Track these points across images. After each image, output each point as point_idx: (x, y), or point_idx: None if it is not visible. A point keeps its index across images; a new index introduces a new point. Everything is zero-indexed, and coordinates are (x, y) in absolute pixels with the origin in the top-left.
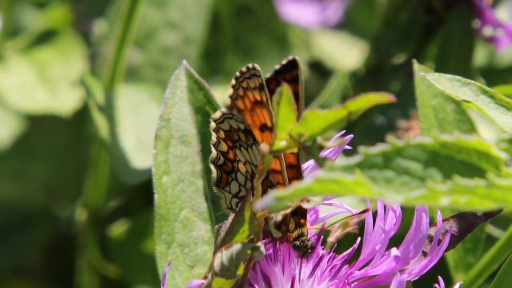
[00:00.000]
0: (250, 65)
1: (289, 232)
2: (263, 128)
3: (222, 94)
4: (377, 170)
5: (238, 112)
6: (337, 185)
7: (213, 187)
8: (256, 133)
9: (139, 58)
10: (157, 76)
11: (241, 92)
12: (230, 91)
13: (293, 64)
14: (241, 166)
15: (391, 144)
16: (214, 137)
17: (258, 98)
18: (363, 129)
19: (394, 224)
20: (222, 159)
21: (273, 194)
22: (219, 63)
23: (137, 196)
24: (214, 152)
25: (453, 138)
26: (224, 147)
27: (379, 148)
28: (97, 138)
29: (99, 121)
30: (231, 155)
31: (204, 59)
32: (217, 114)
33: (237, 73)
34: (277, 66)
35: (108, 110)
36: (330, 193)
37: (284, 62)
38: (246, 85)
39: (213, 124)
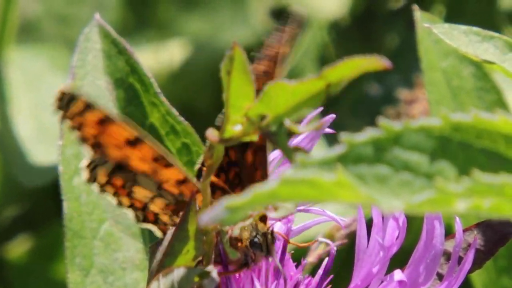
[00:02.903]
0: None
1: (241, 242)
2: None
3: (154, 56)
4: (367, 165)
5: None
6: (311, 187)
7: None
8: None
9: (37, 9)
10: (62, 32)
11: None
12: None
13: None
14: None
15: (385, 128)
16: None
17: None
18: (352, 103)
19: (397, 238)
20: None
21: (224, 202)
22: (148, 12)
23: (42, 202)
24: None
25: (469, 117)
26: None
27: (368, 134)
28: None
29: None
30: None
31: (128, 7)
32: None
33: None
34: None
35: None
36: (302, 199)
37: None
38: None
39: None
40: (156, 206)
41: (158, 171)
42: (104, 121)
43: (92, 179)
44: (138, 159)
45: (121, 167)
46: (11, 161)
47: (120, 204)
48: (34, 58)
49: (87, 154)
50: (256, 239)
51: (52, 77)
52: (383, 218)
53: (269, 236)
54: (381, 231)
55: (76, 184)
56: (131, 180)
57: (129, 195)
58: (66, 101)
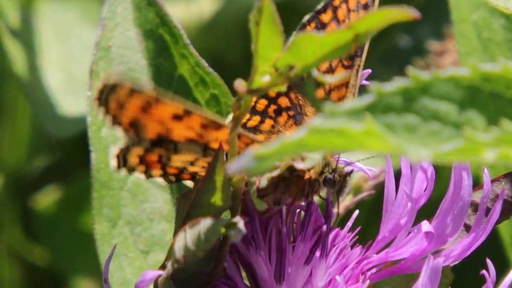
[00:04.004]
0: None
1: (307, 171)
2: None
3: (185, 9)
4: (395, 115)
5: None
6: (340, 136)
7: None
8: None
9: None
10: None
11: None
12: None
13: None
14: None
15: (414, 78)
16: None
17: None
18: (382, 54)
19: (425, 190)
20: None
21: (252, 151)
22: None
23: (71, 153)
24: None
25: (499, 67)
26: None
27: (397, 84)
28: (12, 75)
29: (13, 51)
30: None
31: None
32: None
33: None
34: None
35: (26, 35)
36: (331, 148)
37: None
38: None
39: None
40: (197, 167)
41: (205, 135)
42: (150, 103)
43: (122, 164)
44: (183, 129)
45: (158, 142)
46: (40, 112)
47: (149, 177)
48: (64, 10)
49: (119, 139)
50: (331, 176)
51: (82, 29)
52: (411, 169)
53: (348, 177)
54: (410, 182)
55: (104, 135)
56: (170, 150)
57: (164, 166)
58: (108, 91)
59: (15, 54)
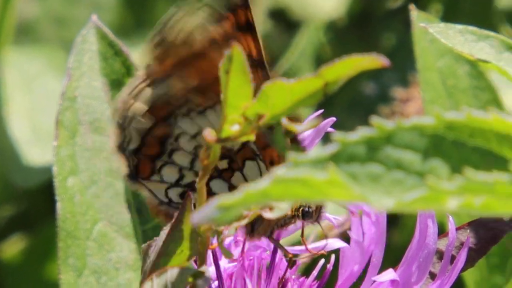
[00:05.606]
0: None
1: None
2: None
3: None
4: (359, 164)
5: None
6: (303, 186)
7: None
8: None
9: (34, 10)
10: (60, 33)
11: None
12: (149, 51)
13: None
14: (184, 142)
15: (378, 127)
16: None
17: (214, 35)
18: (348, 102)
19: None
20: (135, 139)
21: (215, 201)
22: (147, 11)
23: (37, 203)
24: (117, 133)
25: (463, 116)
26: (147, 120)
27: (361, 133)
28: None
29: None
30: (160, 131)
31: (125, 7)
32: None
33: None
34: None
35: None
36: (295, 198)
37: None
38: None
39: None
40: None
41: None
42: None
43: (127, 122)
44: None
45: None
46: (5, 162)
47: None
48: (31, 59)
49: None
50: (307, 208)
51: (49, 78)
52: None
53: (322, 206)
54: (360, 229)
55: (70, 184)
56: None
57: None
58: None
59: None
